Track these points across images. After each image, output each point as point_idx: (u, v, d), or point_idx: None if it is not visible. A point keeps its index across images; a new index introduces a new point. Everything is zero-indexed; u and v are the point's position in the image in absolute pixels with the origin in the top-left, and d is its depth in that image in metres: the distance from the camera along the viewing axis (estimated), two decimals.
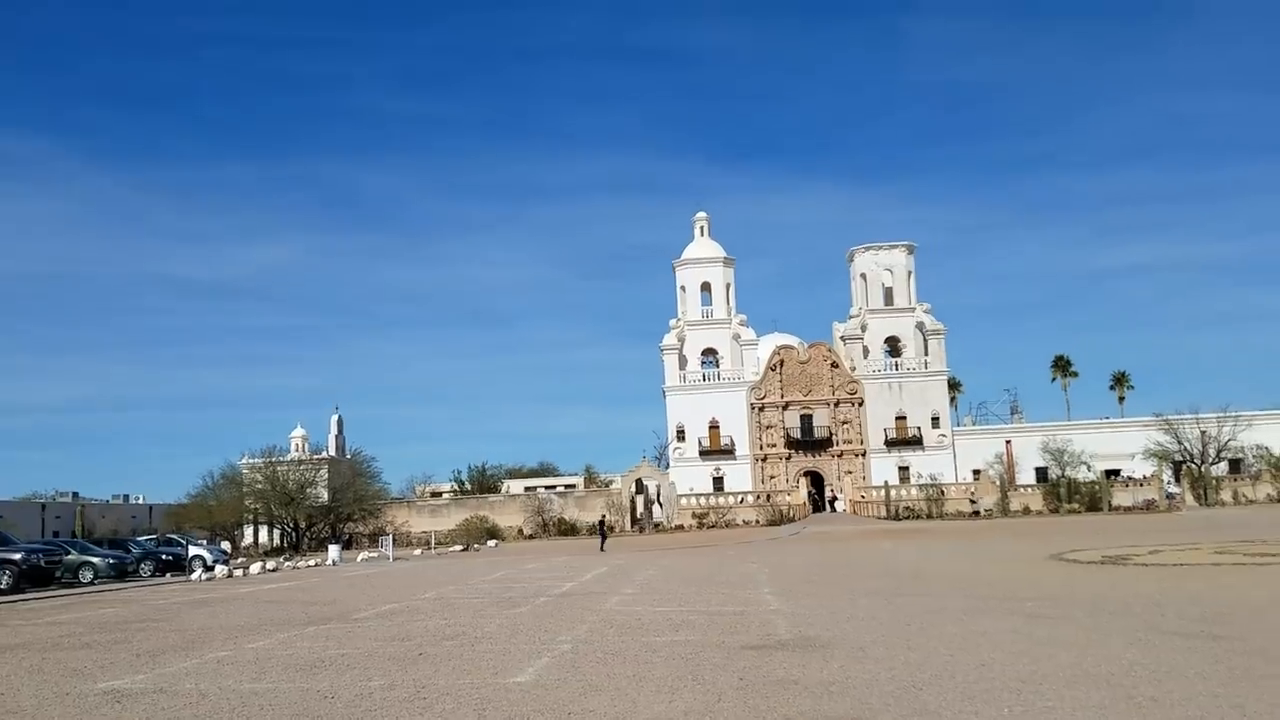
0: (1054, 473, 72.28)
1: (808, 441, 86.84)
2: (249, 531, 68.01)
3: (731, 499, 70.52)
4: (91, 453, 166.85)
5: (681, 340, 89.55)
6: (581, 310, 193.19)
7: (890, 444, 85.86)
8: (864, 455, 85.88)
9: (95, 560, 34.54)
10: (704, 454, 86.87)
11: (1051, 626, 12.90)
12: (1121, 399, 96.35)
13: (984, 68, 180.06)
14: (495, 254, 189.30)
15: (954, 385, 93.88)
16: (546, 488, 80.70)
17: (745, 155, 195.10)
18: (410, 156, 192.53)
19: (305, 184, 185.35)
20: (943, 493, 67.04)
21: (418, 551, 51.33)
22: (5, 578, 29.73)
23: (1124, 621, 13.03)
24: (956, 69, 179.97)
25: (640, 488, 67.68)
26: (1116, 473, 74.82)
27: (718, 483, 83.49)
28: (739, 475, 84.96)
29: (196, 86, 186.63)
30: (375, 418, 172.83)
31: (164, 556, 39.28)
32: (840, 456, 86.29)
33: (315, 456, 77.25)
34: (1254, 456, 74.29)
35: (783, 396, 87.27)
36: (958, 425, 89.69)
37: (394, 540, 47.87)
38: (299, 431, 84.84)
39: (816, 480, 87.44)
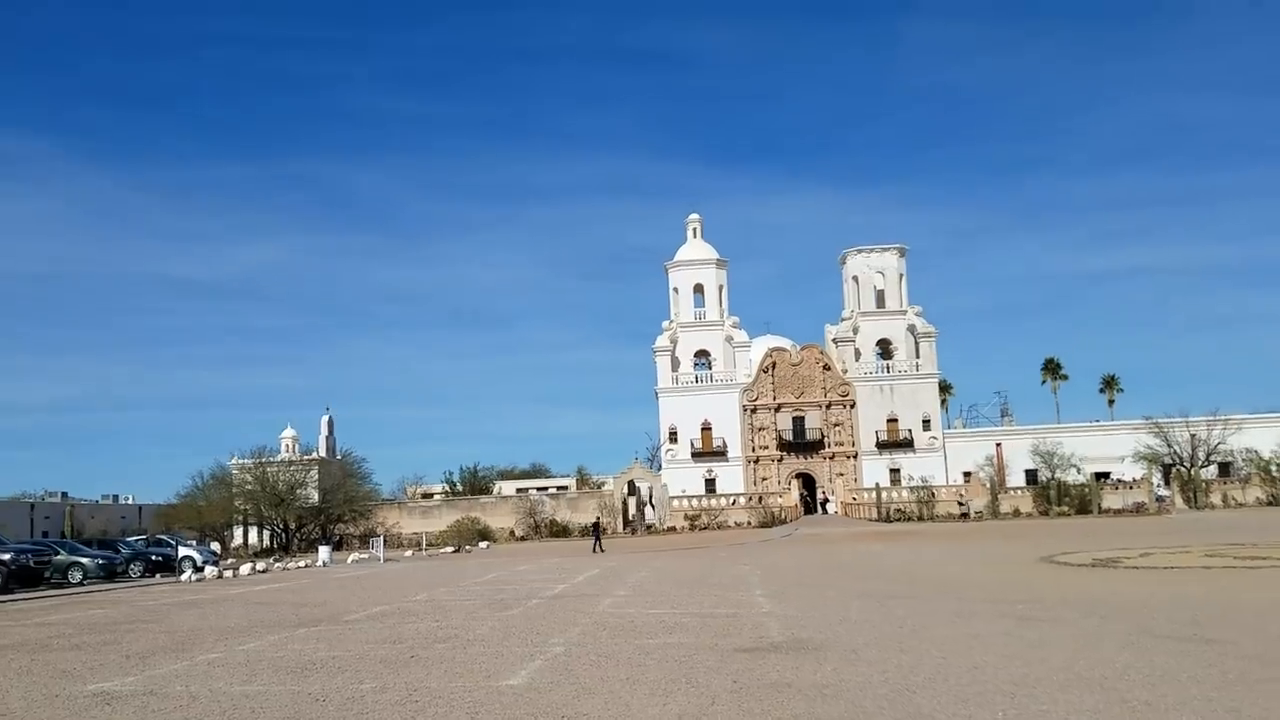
0: (1044, 475, 72.51)
1: (800, 443, 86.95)
2: (239, 532, 67.70)
3: (724, 501, 70.54)
4: (81, 452, 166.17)
5: (674, 342, 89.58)
6: (574, 311, 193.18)
7: (881, 446, 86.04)
8: (855, 457, 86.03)
9: (84, 561, 34.35)
10: (696, 456, 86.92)
11: (1043, 629, 12.92)
12: (1111, 402, 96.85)
13: (977, 71, 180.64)
14: (488, 255, 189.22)
15: (945, 388, 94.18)
16: (538, 489, 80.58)
17: (739, 157, 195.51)
18: (403, 157, 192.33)
19: (299, 184, 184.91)
20: (933, 495, 67.21)
21: (409, 553, 51.19)
22: None
23: (1116, 625, 13.05)
24: (950, 72, 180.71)
25: (632, 489, 67.65)
26: (1106, 475, 75.07)
27: (710, 484, 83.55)
28: (731, 477, 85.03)
29: (194, 86, 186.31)
30: (366, 419, 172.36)
31: (153, 557, 39.11)
32: (832, 458, 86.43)
33: (306, 457, 76.94)
34: (1243, 460, 74.60)
35: (775, 398, 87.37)
36: (948, 428, 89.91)
37: (385, 542, 47.67)
38: (289, 432, 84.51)
39: (808, 482, 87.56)
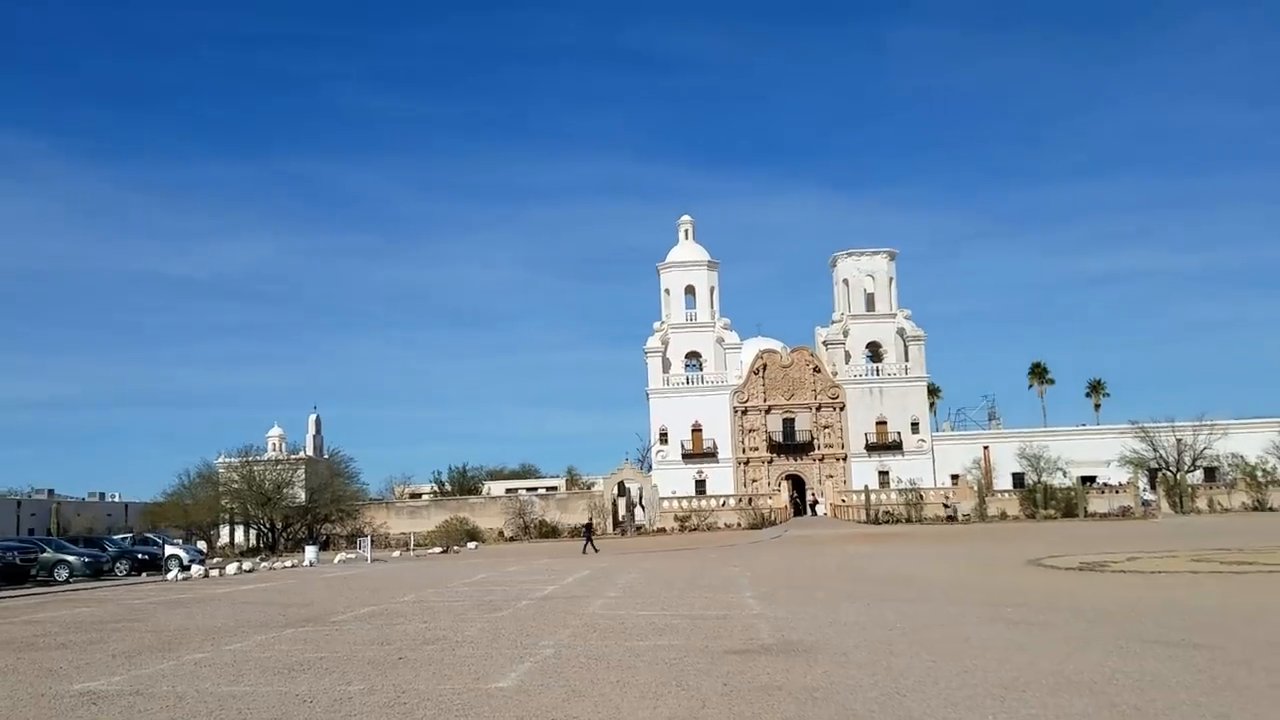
0: (1031, 478, 72.75)
1: (789, 445, 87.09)
2: (225, 531, 67.37)
3: (713, 502, 70.58)
4: (68, 450, 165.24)
5: (665, 343, 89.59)
6: (565, 312, 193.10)
7: (870, 448, 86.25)
8: (845, 459, 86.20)
9: (70, 559, 34.13)
10: (686, 457, 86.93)
11: (1032, 633, 12.94)
12: (1098, 406, 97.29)
13: (968, 75, 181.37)
14: (479, 255, 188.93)
15: (933, 391, 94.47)
16: (528, 490, 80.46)
17: (731, 159, 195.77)
18: (395, 156, 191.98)
19: (294, 183, 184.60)
20: (922, 497, 67.40)
21: (396, 553, 51.02)
22: None
23: (1104, 629, 13.09)
24: (941, 76, 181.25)
25: (622, 490, 67.62)
26: (1092, 479, 75.39)
27: (700, 486, 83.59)
28: (721, 478, 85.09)
29: (192, 85, 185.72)
30: (355, 418, 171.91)
31: (140, 555, 38.87)
32: (821, 460, 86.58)
33: (293, 456, 76.70)
34: (1229, 465, 74.97)
35: (765, 400, 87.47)
36: (937, 431, 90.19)
37: (372, 542, 47.51)
38: (276, 431, 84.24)
39: (798, 484, 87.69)
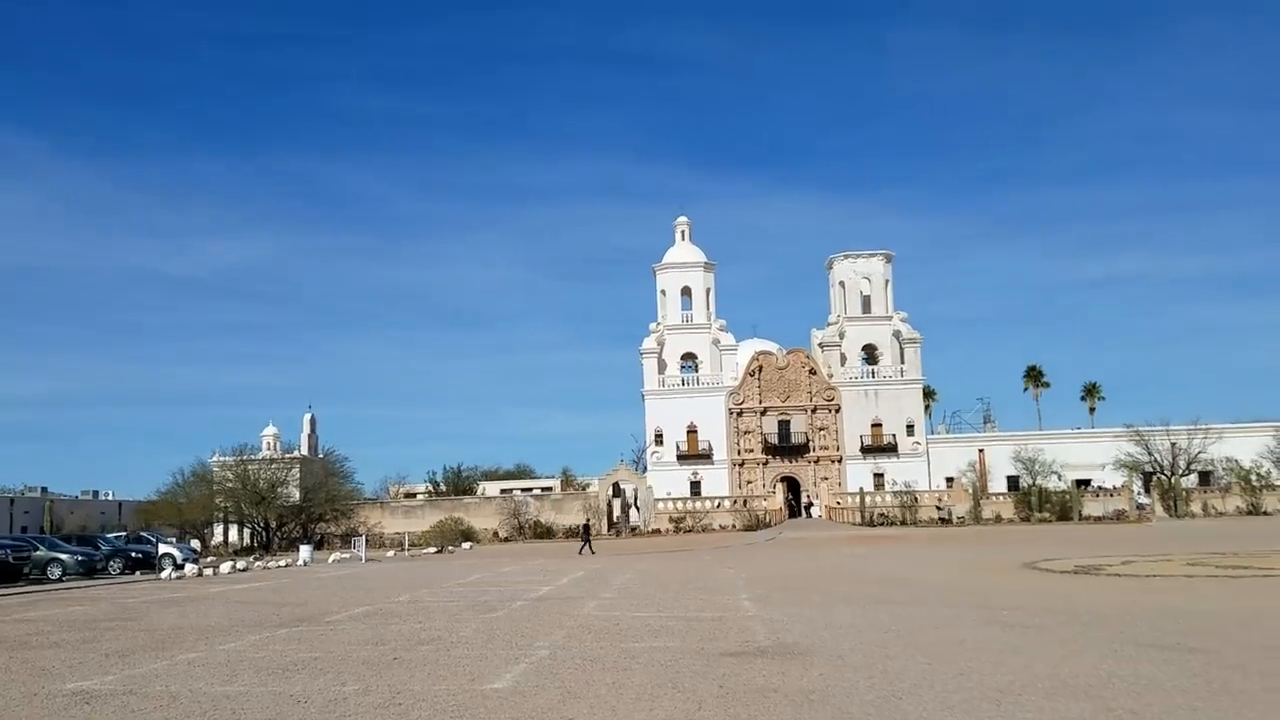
0: (1025, 481, 72.86)
1: (785, 447, 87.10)
2: (219, 530, 67.24)
3: (708, 503, 70.56)
4: (61, 448, 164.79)
5: (661, 344, 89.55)
6: (561, 313, 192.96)
7: (866, 451, 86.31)
8: (840, 461, 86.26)
9: (64, 557, 34.02)
10: (682, 458, 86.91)
11: (1027, 636, 12.94)
12: (1093, 410, 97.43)
13: (965, 78, 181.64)
14: (475, 255, 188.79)
15: (929, 393, 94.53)
16: (523, 490, 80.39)
17: (728, 161, 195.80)
18: (394, 156, 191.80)
19: (291, 182, 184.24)
20: (916, 500, 67.45)
21: (391, 553, 50.92)
22: None
23: (1100, 632, 13.09)
24: (938, 79, 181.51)
25: (617, 491, 67.54)
26: (1087, 483, 75.52)
27: (695, 487, 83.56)
28: (716, 480, 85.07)
29: (190, 84, 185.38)
30: (350, 418, 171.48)
31: (133, 554, 38.78)
32: (817, 462, 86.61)
33: (287, 455, 76.56)
34: (1224, 469, 75.12)
35: (761, 402, 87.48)
36: (932, 433, 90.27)
37: (366, 541, 47.38)
38: (271, 430, 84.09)
39: (793, 486, 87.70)
